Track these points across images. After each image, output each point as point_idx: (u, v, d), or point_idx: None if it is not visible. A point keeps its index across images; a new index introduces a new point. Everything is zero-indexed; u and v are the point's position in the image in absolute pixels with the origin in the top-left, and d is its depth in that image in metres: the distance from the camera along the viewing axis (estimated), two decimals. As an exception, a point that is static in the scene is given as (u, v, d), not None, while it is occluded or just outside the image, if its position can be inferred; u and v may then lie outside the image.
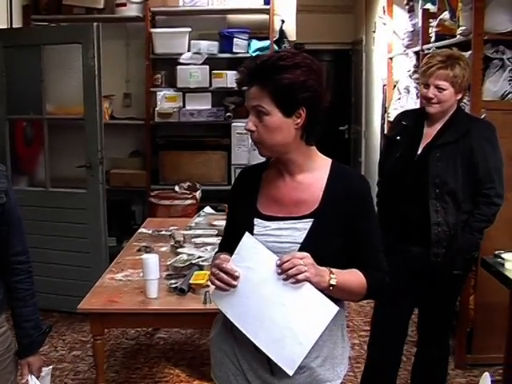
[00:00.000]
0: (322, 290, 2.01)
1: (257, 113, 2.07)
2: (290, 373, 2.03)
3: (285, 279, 1.98)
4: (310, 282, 1.98)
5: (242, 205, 2.24)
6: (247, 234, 2.08)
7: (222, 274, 2.04)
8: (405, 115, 3.84)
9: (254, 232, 2.14)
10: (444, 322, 3.74)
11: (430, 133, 3.56)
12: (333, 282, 2.02)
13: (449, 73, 3.40)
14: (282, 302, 2.01)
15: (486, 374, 2.46)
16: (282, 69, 2.02)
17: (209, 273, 3.30)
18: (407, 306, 3.75)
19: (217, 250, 2.43)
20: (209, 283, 3.31)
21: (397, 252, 3.43)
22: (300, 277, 1.96)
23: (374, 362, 3.85)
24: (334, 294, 2.06)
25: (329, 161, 2.22)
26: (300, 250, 2.07)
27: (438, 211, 3.45)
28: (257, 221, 2.17)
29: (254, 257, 2.04)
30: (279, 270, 1.99)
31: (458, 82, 3.42)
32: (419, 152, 3.54)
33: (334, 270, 2.05)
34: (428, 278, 3.56)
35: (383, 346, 3.78)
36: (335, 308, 2.02)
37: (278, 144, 2.09)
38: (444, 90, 3.42)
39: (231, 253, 2.09)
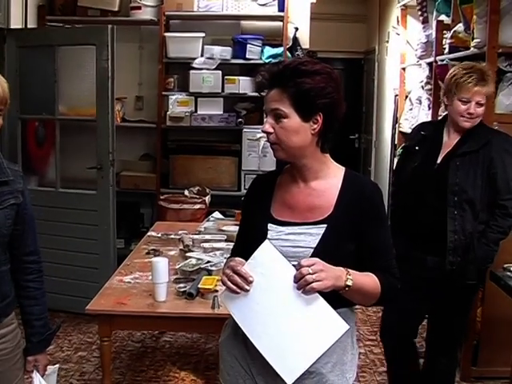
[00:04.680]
0: (337, 291, 2.02)
1: (275, 116, 2.11)
2: (289, 382, 2.02)
3: (303, 291, 1.98)
4: (325, 286, 1.97)
5: (256, 210, 2.26)
6: (267, 241, 2.09)
7: (236, 277, 2.05)
8: (424, 126, 3.90)
9: (268, 237, 2.15)
10: (455, 333, 3.74)
11: (449, 143, 3.60)
12: (349, 282, 2.03)
13: (488, 89, 3.48)
14: (292, 313, 2.01)
15: None
16: (303, 73, 2.07)
17: (217, 278, 3.35)
18: (418, 315, 3.78)
19: (229, 255, 2.44)
20: (217, 288, 3.36)
21: (411, 261, 3.45)
22: (314, 285, 1.95)
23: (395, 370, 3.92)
24: (349, 295, 2.08)
25: (342, 168, 2.26)
26: (313, 254, 2.09)
27: (455, 218, 3.46)
28: (271, 226, 2.19)
29: (271, 264, 2.04)
30: (296, 285, 1.99)
31: (488, 97, 3.50)
32: (438, 161, 3.57)
33: (351, 270, 2.06)
34: (441, 288, 3.56)
35: (396, 353, 3.83)
36: (345, 326, 2.01)
37: (295, 146, 2.12)
38: (482, 105, 3.48)
39: (243, 258, 2.10)
